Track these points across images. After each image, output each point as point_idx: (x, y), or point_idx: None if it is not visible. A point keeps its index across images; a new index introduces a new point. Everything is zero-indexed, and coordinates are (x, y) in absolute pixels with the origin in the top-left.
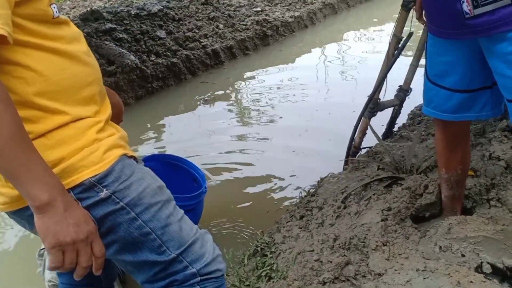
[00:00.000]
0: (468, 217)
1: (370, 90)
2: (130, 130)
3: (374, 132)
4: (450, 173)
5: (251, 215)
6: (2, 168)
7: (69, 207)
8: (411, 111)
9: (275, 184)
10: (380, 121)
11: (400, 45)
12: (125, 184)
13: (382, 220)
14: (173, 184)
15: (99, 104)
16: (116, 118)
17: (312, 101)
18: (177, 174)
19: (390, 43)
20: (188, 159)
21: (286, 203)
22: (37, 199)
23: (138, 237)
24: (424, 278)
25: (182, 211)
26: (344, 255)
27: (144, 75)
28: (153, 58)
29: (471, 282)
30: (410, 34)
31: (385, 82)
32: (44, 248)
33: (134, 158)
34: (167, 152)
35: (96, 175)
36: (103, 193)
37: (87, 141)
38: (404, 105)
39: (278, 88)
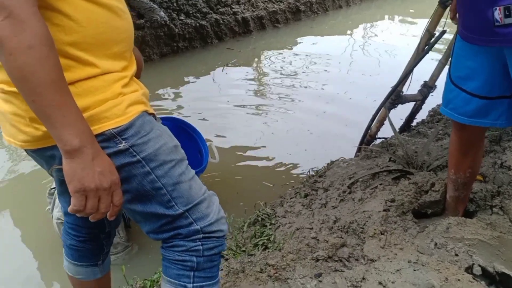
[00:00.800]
0: (468, 220)
1: (394, 81)
2: (150, 86)
3: (392, 124)
4: (458, 175)
5: (257, 187)
6: (40, 110)
7: (97, 156)
8: (432, 108)
9: (285, 160)
10: (400, 114)
11: (431, 41)
12: (143, 139)
13: (384, 210)
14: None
15: (127, 60)
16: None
17: (335, 83)
18: (187, 141)
19: (422, 38)
20: (201, 123)
21: (293, 180)
22: (68, 144)
23: (150, 190)
24: (414, 270)
25: (193, 171)
26: (341, 237)
27: (171, 33)
28: (183, 18)
29: (459, 280)
30: (443, 32)
31: (410, 76)
32: (54, 188)
33: (154, 115)
34: (182, 113)
35: (117, 127)
36: (122, 145)
37: (113, 94)
38: (426, 101)
39: (303, 65)
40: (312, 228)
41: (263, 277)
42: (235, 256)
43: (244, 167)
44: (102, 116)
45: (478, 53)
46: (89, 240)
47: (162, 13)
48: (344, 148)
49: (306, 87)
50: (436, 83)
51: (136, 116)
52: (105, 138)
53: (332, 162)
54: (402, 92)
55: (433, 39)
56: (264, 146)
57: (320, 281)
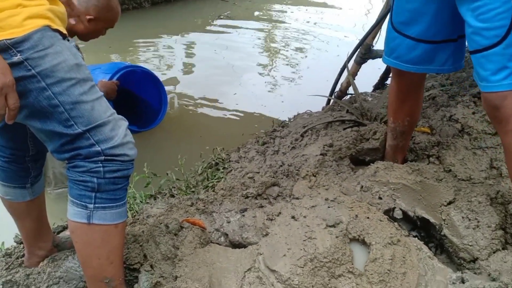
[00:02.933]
0: (396, 164)
1: None
2: (142, 33)
3: (350, 76)
4: (396, 123)
5: (228, 137)
6: None
7: None
8: None
9: (262, 113)
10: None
11: None
12: (39, 54)
13: (321, 154)
14: (144, 94)
15: None
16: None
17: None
18: (154, 89)
19: None
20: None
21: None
22: None
23: (47, 107)
24: (328, 207)
25: (100, 94)
26: (273, 177)
27: None
28: None
29: (368, 218)
30: None
31: (379, 29)
32: None
33: (61, 32)
34: (167, 62)
35: (11, 38)
36: (17, 58)
37: (11, 4)
38: None
39: (301, 24)
40: (259, 172)
41: (191, 210)
42: (184, 195)
43: (219, 119)
44: None
45: None
46: (14, 161)
47: None
48: (320, 103)
49: (293, 44)
50: None
51: (34, 30)
52: (0, 49)
53: (298, 114)
54: (373, 46)
55: None
56: (245, 102)
57: (243, 215)
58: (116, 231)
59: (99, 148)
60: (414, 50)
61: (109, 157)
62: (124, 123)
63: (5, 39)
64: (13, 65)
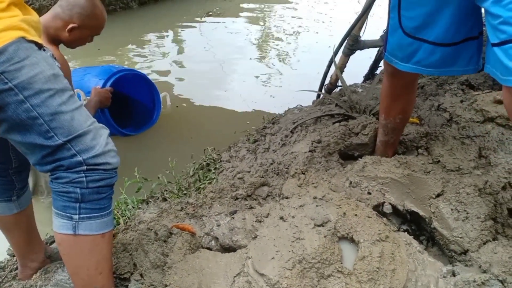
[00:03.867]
0: (383, 158)
1: None
2: (130, 34)
3: (337, 68)
4: (388, 120)
5: (220, 135)
6: None
7: None
8: None
9: (254, 109)
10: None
11: None
12: (16, 66)
13: (310, 151)
14: (136, 95)
15: None
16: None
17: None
18: (144, 90)
19: None
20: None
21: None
22: None
23: (26, 119)
24: (316, 206)
25: (80, 103)
26: (262, 177)
27: None
28: None
29: (356, 215)
30: None
31: (366, 20)
32: None
33: (36, 43)
34: (157, 62)
35: None
36: None
37: None
38: None
39: (291, 17)
40: (249, 172)
41: (181, 214)
42: (175, 198)
43: (211, 113)
44: None
45: None
46: None
47: None
48: (311, 98)
49: (288, 35)
50: None
51: (9, 42)
52: None
53: (288, 109)
54: (360, 37)
55: None
56: (234, 94)
57: (233, 218)
58: (103, 240)
59: (80, 158)
60: (434, 54)
61: (91, 167)
62: (105, 131)
63: None
64: None
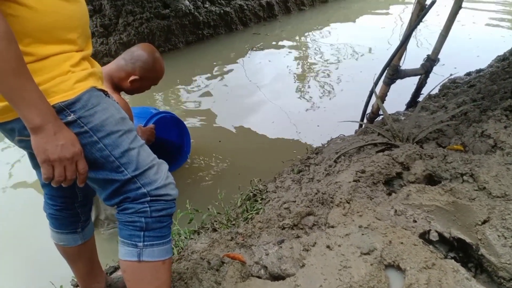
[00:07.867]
0: (427, 186)
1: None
2: (178, 73)
3: (377, 98)
4: None
5: (266, 166)
6: (4, 94)
7: (59, 131)
8: (443, 83)
9: (299, 140)
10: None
11: (422, 12)
12: (90, 112)
13: (354, 181)
14: (167, 135)
15: (79, 44)
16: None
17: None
18: (173, 130)
19: (413, 11)
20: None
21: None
22: (31, 122)
23: (99, 158)
24: (362, 234)
25: (142, 141)
26: (308, 207)
27: (196, 21)
28: (207, 6)
29: (402, 243)
30: (433, 3)
31: (405, 50)
32: None
33: (104, 91)
34: (204, 99)
35: (65, 101)
36: (71, 117)
37: (61, 72)
38: (437, 76)
39: (332, 48)
40: (295, 201)
41: (231, 244)
42: (225, 229)
43: (257, 144)
44: (50, 91)
45: None
46: (65, 209)
47: (186, 2)
48: (354, 126)
49: (331, 70)
50: (439, 56)
51: (83, 91)
52: (56, 111)
53: (331, 139)
54: (400, 66)
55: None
56: (278, 126)
57: (281, 247)
58: (164, 267)
59: (145, 190)
60: None
61: (154, 198)
62: (165, 166)
63: (60, 102)
64: (68, 124)
